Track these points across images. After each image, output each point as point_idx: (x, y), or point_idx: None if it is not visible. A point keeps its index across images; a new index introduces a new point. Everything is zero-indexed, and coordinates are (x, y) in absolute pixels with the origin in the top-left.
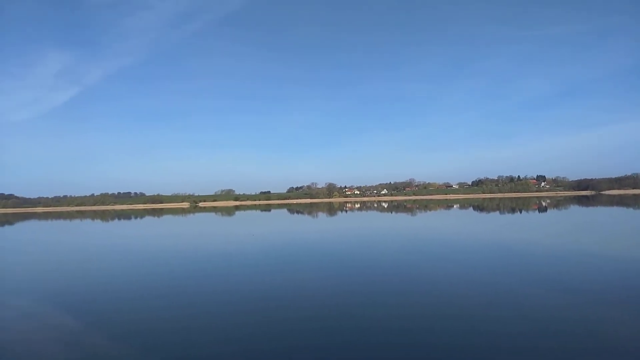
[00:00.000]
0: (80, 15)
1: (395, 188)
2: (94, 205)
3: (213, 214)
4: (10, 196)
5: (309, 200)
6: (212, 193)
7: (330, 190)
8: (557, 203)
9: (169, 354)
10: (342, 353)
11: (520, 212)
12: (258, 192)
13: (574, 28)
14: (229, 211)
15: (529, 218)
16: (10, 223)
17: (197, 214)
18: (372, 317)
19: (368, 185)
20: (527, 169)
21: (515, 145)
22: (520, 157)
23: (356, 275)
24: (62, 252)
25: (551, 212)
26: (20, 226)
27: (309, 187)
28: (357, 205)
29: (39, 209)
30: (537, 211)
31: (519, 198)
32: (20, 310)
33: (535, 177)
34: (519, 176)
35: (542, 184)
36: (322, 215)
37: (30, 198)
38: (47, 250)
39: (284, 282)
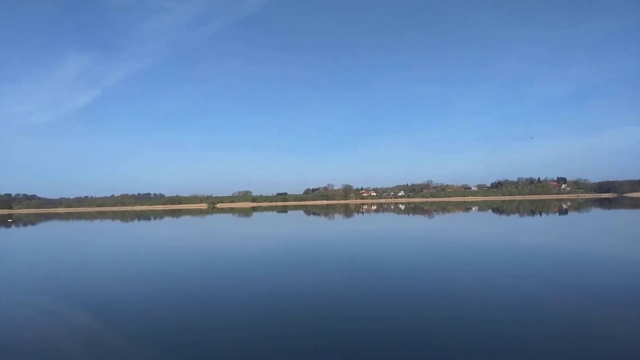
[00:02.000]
0: (100, 18)
1: (413, 190)
2: (114, 205)
3: (230, 215)
4: (33, 197)
5: (325, 202)
6: (230, 194)
7: (347, 191)
8: (578, 206)
9: (186, 353)
10: (362, 354)
11: (540, 215)
12: (275, 193)
13: (591, 28)
14: (246, 212)
15: (549, 221)
16: (33, 223)
17: (214, 215)
18: (391, 319)
19: (385, 187)
20: (547, 171)
21: (534, 146)
22: (539, 158)
23: (375, 278)
24: (82, 252)
25: (572, 215)
26: (42, 226)
27: (325, 188)
28: (374, 207)
29: (61, 210)
30: (557, 214)
31: (538, 200)
32: (39, 309)
33: (555, 179)
34: (539, 178)
35: (563, 186)
36: (338, 217)
37: (52, 199)
38: (67, 250)
39: (302, 283)
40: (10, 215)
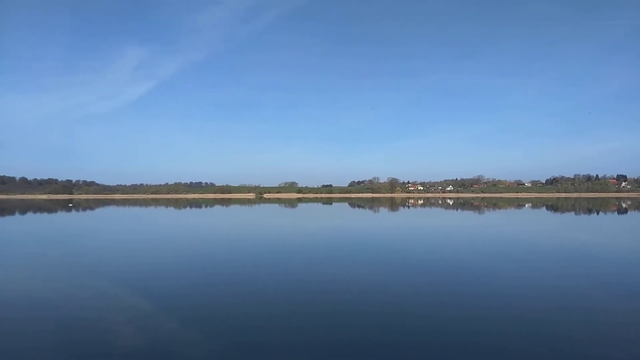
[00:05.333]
0: (156, 10)
1: (462, 185)
2: (168, 193)
3: (277, 205)
4: (92, 183)
5: (370, 195)
6: (277, 185)
7: (393, 185)
8: (639, 205)
9: (234, 339)
10: (404, 351)
11: (597, 214)
12: (320, 185)
13: None
14: (291, 203)
15: (606, 220)
16: (91, 208)
17: (262, 205)
18: (433, 316)
19: (432, 181)
20: (606, 168)
21: (594, 141)
22: (599, 154)
23: (417, 274)
24: (138, 237)
25: (632, 215)
26: (100, 211)
27: (370, 181)
28: (421, 202)
29: (117, 196)
30: (615, 213)
31: (596, 198)
32: (95, 291)
33: (615, 176)
34: (597, 175)
35: (623, 184)
36: (383, 210)
37: (109, 185)
38: (122, 236)
39: (346, 276)
40: (70, 200)
